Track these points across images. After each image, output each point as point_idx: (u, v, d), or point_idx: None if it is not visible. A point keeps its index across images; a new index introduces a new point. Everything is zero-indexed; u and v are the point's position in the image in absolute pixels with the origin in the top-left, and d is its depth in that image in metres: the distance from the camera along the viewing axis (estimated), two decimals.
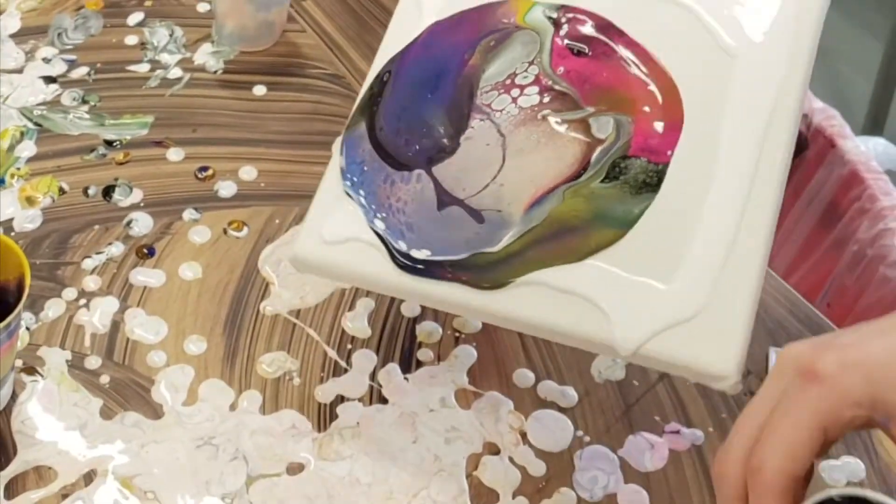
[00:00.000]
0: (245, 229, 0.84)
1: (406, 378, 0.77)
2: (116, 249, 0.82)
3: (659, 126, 0.70)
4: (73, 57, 0.95)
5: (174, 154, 0.89)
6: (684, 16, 0.74)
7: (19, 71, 0.93)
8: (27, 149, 0.88)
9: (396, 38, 0.77)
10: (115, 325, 0.79)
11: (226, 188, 0.86)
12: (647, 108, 0.71)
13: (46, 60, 0.94)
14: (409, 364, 0.78)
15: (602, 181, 0.69)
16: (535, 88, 0.73)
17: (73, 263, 0.82)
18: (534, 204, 0.69)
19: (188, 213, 0.85)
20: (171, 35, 0.97)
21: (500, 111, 0.73)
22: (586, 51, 0.73)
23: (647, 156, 0.70)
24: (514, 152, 0.71)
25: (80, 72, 0.94)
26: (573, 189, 0.69)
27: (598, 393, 0.77)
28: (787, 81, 0.71)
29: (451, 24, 0.76)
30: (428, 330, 0.79)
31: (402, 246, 0.70)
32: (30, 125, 0.90)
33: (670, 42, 0.73)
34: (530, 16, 0.75)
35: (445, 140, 0.72)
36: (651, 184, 0.69)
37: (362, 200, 0.71)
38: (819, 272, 1.06)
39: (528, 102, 0.73)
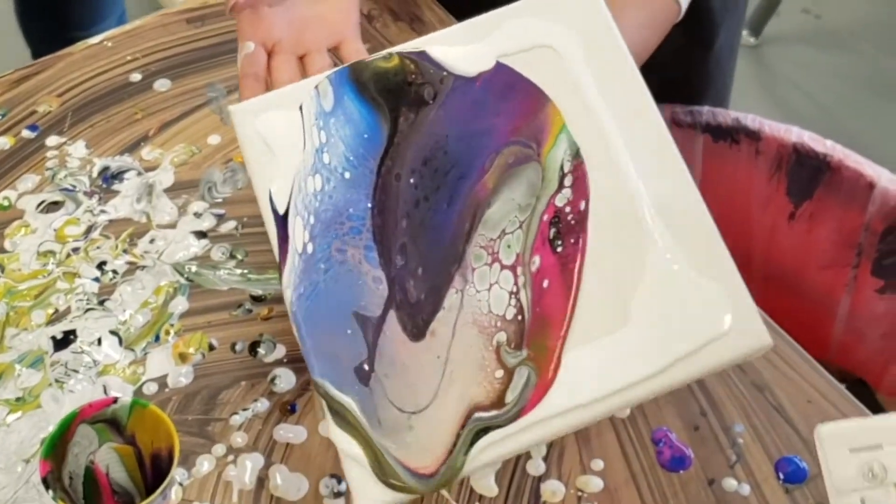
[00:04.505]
0: None
1: None
2: (262, 406, 0.88)
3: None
4: (221, 211, 1.02)
5: None
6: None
7: (173, 226, 1.01)
8: (180, 304, 0.95)
9: (458, 37, 0.78)
10: (261, 482, 0.84)
11: None
12: (551, 369, 0.73)
13: (197, 215, 1.01)
14: None
15: (464, 454, 0.73)
16: (510, 279, 0.74)
17: (222, 420, 0.88)
18: (409, 470, 0.74)
19: None
20: None
21: (476, 292, 0.74)
22: (560, 248, 0.75)
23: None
24: (448, 380, 0.73)
25: (229, 226, 1.01)
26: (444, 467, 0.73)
27: None
28: None
29: (509, 80, 0.77)
30: (552, 489, 0.83)
31: (302, 235, 0.77)
32: (182, 280, 0.97)
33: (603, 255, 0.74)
34: (553, 153, 0.76)
35: (422, 315, 0.74)
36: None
37: (314, 178, 0.77)
38: None
39: (496, 303, 0.74)
